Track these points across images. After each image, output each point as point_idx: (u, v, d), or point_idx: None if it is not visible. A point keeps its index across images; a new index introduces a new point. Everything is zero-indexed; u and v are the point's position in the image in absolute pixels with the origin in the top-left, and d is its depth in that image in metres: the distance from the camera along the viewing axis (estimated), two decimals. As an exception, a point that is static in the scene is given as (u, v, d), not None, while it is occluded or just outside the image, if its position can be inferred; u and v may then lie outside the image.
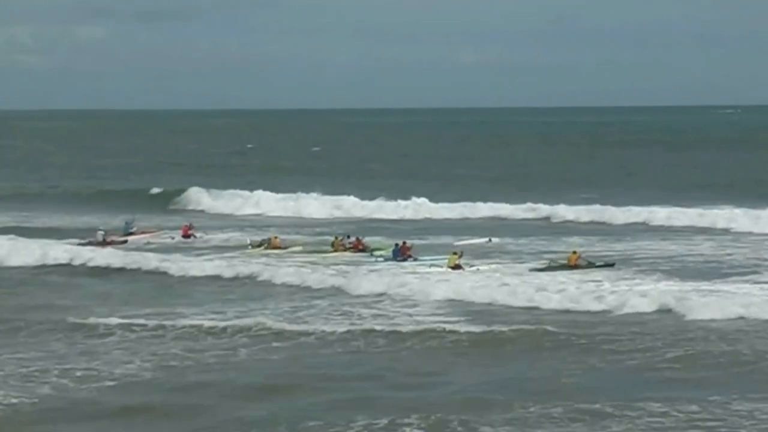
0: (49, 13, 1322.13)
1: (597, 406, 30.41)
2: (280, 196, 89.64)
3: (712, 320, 41.64)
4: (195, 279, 53.52)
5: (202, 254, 61.33)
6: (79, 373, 34.72)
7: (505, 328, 40.69)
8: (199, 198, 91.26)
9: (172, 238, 67.49)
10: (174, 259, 57.66)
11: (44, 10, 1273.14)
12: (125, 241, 66.45)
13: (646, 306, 44.28)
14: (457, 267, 54.21)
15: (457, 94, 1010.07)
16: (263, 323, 41.64)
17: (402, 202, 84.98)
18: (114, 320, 42.55)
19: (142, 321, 42.51)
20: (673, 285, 49.00)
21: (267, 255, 60.06)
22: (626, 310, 43.93)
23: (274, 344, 38.83)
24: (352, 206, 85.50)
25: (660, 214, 75.64)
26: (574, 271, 52.97)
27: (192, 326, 41.54)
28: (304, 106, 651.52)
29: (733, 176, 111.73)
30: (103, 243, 64.83)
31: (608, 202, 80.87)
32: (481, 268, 54.63)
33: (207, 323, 41.95)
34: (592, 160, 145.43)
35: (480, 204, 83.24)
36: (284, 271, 53.66)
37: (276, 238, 63.03)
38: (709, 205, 79.17)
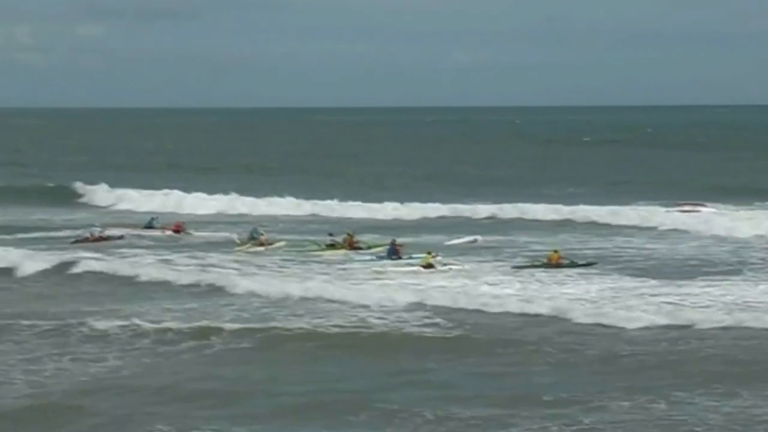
0: (49, 12, 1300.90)
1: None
2: (162, 192, 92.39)
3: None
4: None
5: (182, 251, 62.04)
6: None
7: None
8: (93, 194, 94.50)
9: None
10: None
11: (44, 8, 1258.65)
12: (121, 237, 66.83)
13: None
14: (429, 266, 55.36)
15: (451, 92, 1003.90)
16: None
17: (278, 199, 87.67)
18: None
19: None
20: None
21: (255, 252, 61.50)
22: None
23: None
24: (235, 203, 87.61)
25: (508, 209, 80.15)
26: (556, 269, 54.38)
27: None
28: (303, 104, 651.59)
29: (655, 175, 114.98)
30: (98, 239, 65.18)
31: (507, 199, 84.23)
32: (453, 267, 55.71)
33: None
34: (523, 159, 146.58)
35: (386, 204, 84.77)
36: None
37: (262, 234, 64.02)
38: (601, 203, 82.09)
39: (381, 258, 58.84)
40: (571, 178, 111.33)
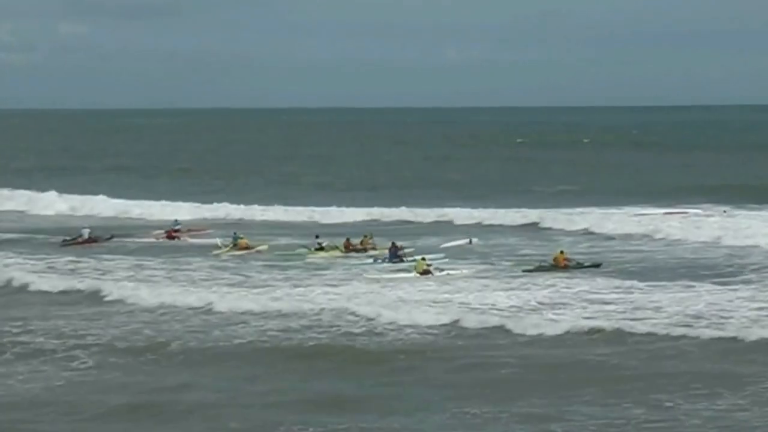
0: (30, 9, 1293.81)
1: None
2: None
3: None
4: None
5: (160, 257, 60.75)
6: None
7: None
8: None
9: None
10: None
11: (25, 5, 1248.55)
12: (111, 237, 66.70)
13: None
14: (426, 272, 53.11)
15: (442, 92, 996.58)
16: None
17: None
18: None
19: None
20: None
21: (235, 256, 60.55)
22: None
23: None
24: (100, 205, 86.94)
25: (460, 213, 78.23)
26: (561, 272, 53.26)
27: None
28: (290, 104, 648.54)
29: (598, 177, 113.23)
30: (88, 241, 64.99)
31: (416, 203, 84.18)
32: (451, 272, 53.43)
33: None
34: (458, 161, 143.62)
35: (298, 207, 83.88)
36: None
37: (243, 238, 62.76)
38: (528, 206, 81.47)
39: (383, 260, 57.40)
40: (534, 181, 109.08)
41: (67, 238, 65.80)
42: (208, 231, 70.60)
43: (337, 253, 60.14)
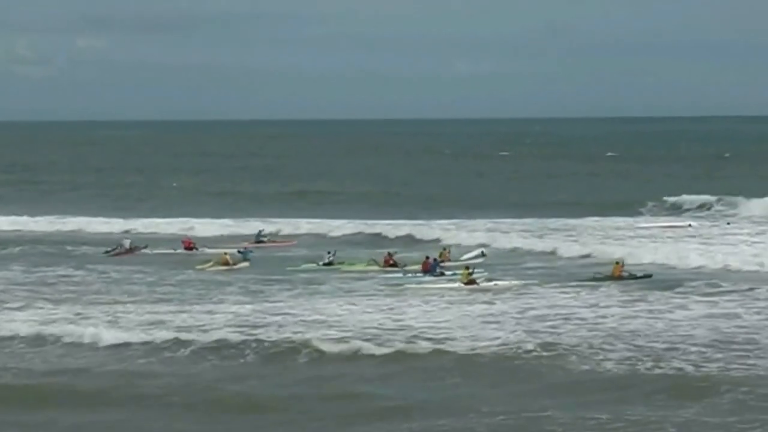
0: (48, 23, 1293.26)
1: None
2: None
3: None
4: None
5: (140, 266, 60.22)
6: None
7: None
8: None
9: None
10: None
11: (42, 20, 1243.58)
12: (145, 246, 67.68)
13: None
14: (471, 282, 50.56)
15: (452, 104, 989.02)
16: None
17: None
18: None
19: None
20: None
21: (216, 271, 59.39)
22: None
23: None
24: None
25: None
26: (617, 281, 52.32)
27: None
28: (300, 116, 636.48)
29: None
30: (129, 251, 66.47)
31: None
32: (499, 283, 50.94)
33: None
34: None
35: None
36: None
37: (225, 254, 61.39)
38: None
39: (416, 273, 55.62)
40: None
41: (109, 249, 66.92)
42: (294, 243, 71.50)
43: (375, 267, 58.67)
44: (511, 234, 71.01)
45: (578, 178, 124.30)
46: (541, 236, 69.61)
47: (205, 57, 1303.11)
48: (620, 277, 52.52)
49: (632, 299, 47.72)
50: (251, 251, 64.40)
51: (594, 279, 52.73)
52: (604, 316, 43.98)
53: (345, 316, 44.70)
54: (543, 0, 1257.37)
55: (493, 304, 47.15)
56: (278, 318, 44.25)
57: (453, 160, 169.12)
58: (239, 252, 63.21)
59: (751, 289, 49.44)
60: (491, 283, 51.51)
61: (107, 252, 66.22)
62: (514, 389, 33.88)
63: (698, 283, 51.03)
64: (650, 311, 44.96)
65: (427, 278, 54.27)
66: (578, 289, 50.27)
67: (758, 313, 44.37)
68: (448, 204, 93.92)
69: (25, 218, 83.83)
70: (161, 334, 40.75)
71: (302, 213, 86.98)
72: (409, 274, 55.52)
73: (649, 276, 53.39)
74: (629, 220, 79.46)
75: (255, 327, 42.31)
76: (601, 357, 36.88)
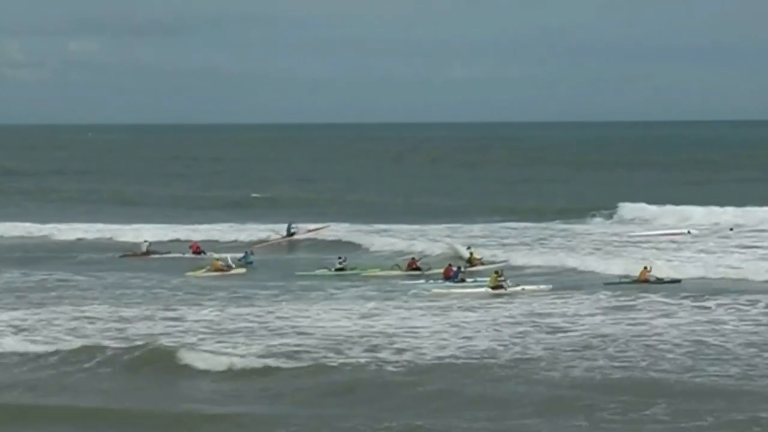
0: (40, 27, 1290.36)
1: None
2: None
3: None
4: None
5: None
6: None
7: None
8: None
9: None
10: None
11: (35, 23, 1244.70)
12: (168, 252, 67.07)
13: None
14: (498, 287, 50.71)
15: (448, 108, 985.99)
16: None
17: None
18: None
19: None
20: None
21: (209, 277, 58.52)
22: None
23: None
24: None
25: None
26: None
27: None
28: (295, 120, 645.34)
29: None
30: (146, 253, 66.14)
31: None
32: (526, 287, 50.75)
33: None
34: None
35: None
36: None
37: (218, 260, 60.60)
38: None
39: (437, 281, 54.94)
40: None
41: (128, 252, 66.81)
42: (328, 226, 74.87)
43: (397, 271, 58.52)
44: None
45: (536, 184, 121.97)
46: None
47: (198, 60, 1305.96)
48: (646, 281, 52.21)
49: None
50: (252, 255, 63.46)
51: (622, 282, 52.40)
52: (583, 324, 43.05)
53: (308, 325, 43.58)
54: (538, 5, 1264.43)
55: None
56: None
57: (407, 165, 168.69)
58: (241, 258, 62.30)
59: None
60: (519, 288, 50.72)
61: (124, 254, 65.94)
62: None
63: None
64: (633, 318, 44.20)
65: (449, 283, 53.52)
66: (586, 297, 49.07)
67: (742, 321, 43.46)
68: (380, 210, 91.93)
69: None
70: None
71: (233, 219, 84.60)
72: (431, 281, 54.72)
73: (678, 281, 52.80)
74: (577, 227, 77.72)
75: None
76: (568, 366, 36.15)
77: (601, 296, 48.79)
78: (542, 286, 51.58)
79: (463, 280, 53.95)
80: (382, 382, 34.66)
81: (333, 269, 58.69)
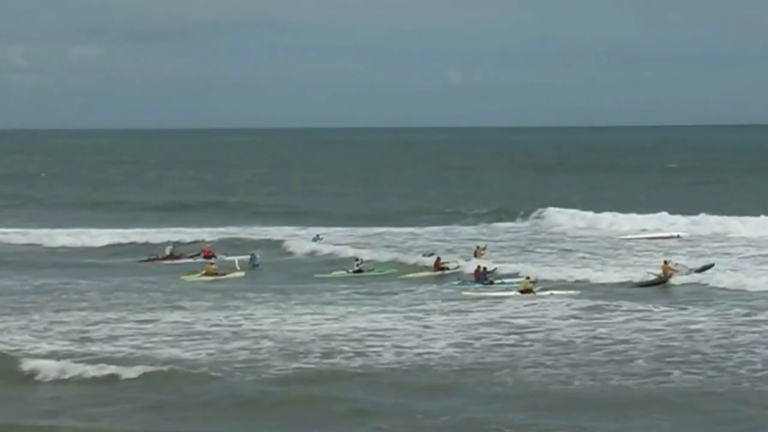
0: (42, 33, 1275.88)
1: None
2: None
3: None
4: None
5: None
6: None
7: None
8: None
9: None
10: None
11: (37, 29, 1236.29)
12: (196, 255, 65.37)
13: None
14: (527, 291, 51.43)
15: (444, 113, 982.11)
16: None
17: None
18: None
19: None
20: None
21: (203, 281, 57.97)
22: None
23: None
24: None
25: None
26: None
27: None
28: (292, 125, 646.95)
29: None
30: (170, 257, 65.36)
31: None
32: (555, 292, 51.76)
33: None
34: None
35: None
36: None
37: (212, 264, 60.32)
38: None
39: (466, 282, 55.46)
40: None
41: (152, 255, 66.08)
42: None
43: (426, 272, 59.03)
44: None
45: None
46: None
47: (199, 66, 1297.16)
48: (669, 276, 53.66)
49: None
50: (258, 256, 63.46)
51: (652, 283, 53.51)
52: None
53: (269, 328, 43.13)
54: (535, 11, 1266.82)
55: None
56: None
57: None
58: (249, 260, 62.31)
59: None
60: (547, 293, 50.89)
61: (149, 258, 65.36)
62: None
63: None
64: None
65: (478, 285, 53.92)
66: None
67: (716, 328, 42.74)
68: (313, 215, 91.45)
69: None
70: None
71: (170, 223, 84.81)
72: (461, 282, 55.22)
73: (711, 265, 55.18)
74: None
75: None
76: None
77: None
78: (571, 292, 51.86)
79: (491, 283, 54.38)
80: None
81: (351, 270, 59.12)
